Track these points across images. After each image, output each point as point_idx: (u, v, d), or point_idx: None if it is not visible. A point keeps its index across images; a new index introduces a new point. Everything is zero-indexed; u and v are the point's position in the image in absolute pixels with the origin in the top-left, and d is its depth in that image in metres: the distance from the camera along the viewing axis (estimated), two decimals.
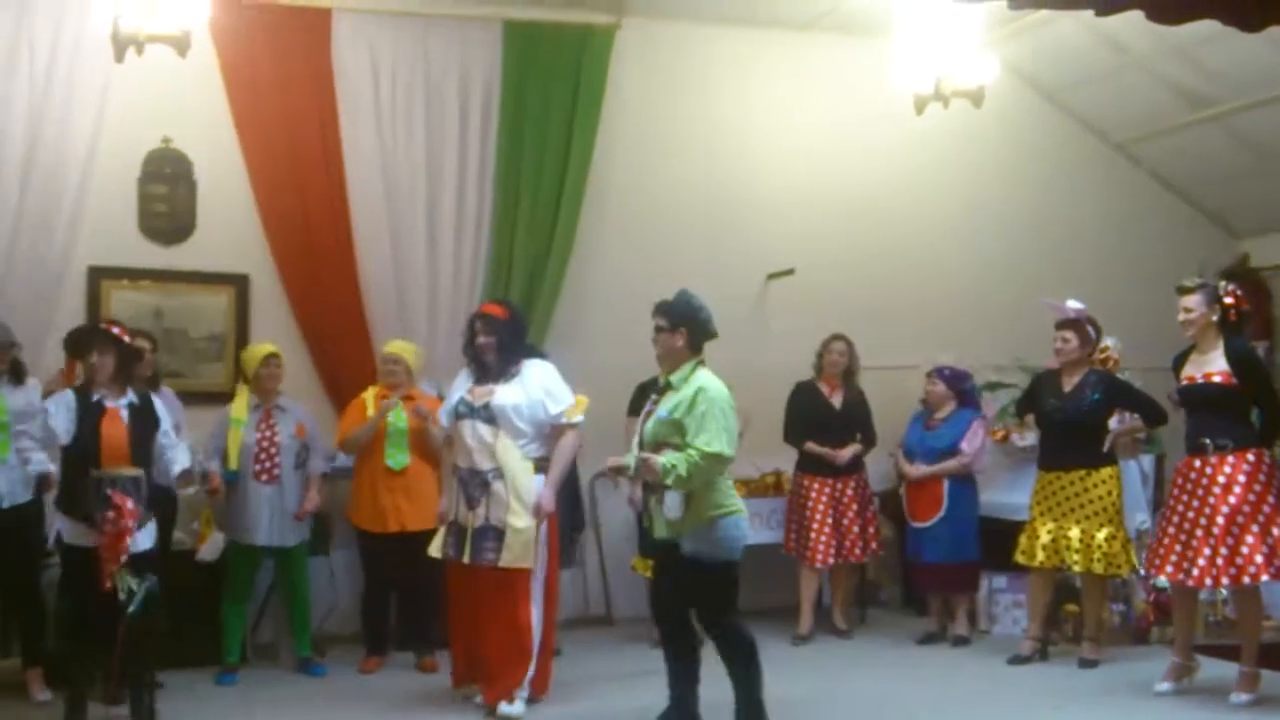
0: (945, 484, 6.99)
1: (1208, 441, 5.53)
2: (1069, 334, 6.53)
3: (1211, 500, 5.48)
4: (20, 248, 6.53)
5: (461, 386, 5.60)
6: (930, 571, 7.11)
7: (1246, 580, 5.44)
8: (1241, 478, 5.45)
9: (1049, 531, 6.37)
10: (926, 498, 7.00)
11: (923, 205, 8.58)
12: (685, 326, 4.97)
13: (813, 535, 7.09)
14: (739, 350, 7.62)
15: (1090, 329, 6.61)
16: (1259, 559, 5.37)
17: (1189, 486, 5.61)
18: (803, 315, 7.80)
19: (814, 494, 7.15)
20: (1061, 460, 6.39)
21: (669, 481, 4.74)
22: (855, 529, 7.17)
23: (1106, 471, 6.34)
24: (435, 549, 5.53)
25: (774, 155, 8.27)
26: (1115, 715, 5.49)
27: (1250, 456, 5.48)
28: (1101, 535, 6.24)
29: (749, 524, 5.09)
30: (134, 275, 6.94)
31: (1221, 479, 5.47)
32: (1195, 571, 5.48)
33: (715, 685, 5.06)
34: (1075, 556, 6.29)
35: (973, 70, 7.49)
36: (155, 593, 3.38)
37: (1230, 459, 5.48)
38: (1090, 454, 6.33)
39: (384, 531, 6.33)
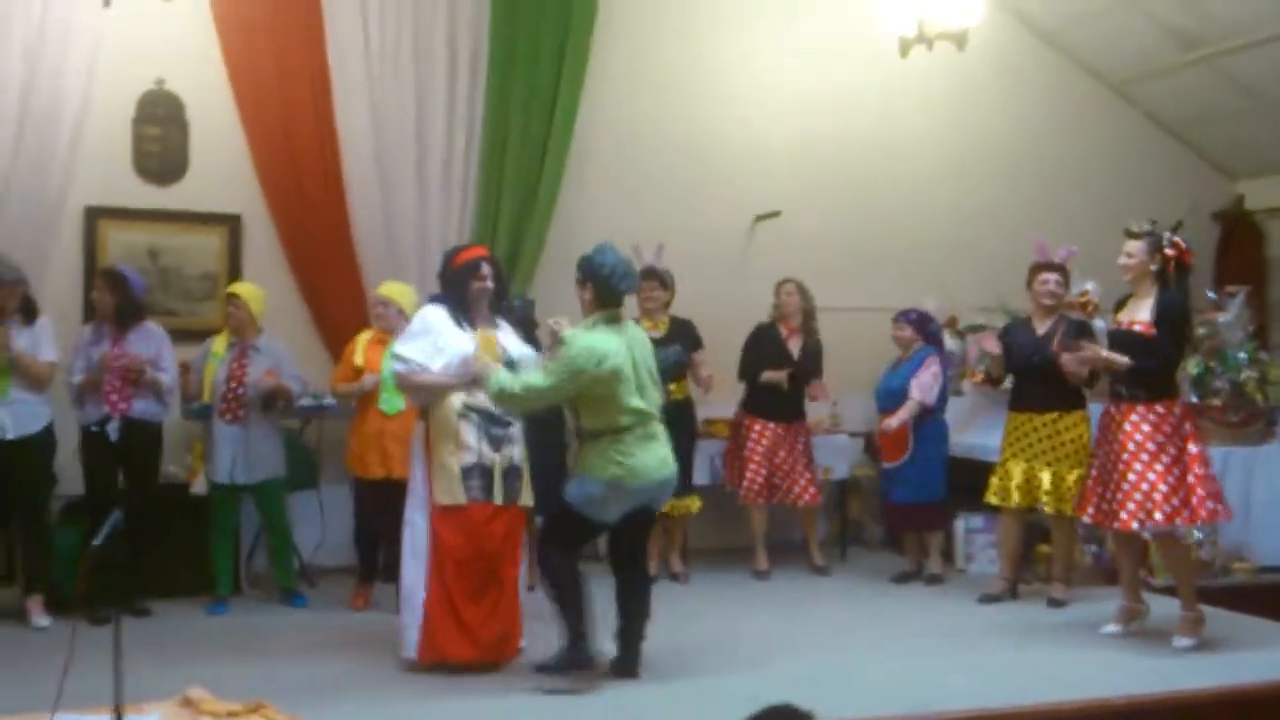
0: (911, 425, 7.10)
1: (1122, 389, 5.57)
2: (1058, 276, 6.59)
3: (1115, 446, 5.54)
4: (16, 188, 6.64)
5: (450, 329, 5.26)
6: (900, 511, 7.25)
7: (1150, 525, 5.51)
8: (1146, 426, 5.48)
9: (1022, 472, 6.47)
10: (894, 439, 7.12)
11: (912, 146, 8.62)
12: (590, 282, 5.05)
13: (749, 474, 7.25)
14: (725, 291, 7.83)
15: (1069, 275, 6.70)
16: (1157, 504, 5.39)
17: (1103, 432, 5.69)
18: (789, 257, 7.86)
19: (755, 433, 7.29)
20: (1034, 403, 6.46)
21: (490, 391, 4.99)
22: (802, 473, 7.31)
23: (1078, 415, 6.42)
24: (445, 494, 5.16)
25: (762, 97, 8.32)
26: (1052, 653, 5.58)
27: (1159, 407, 5.51)
28: (1072, 477, 6.32)
29: (627, 489, 4.93)
30: (129, 215, 7.08)
31: (1128, 426, 5.52)
32: (1111, 513, 5.55)
33: None
34: (1046, 498, 6.40)
35: (958, 12, 7.51)
36: (120, 526, 3.54)
37: (1140, 407, 5.52)
38: (1062, 397, 6.40)
39: (370, 477, 6.28)
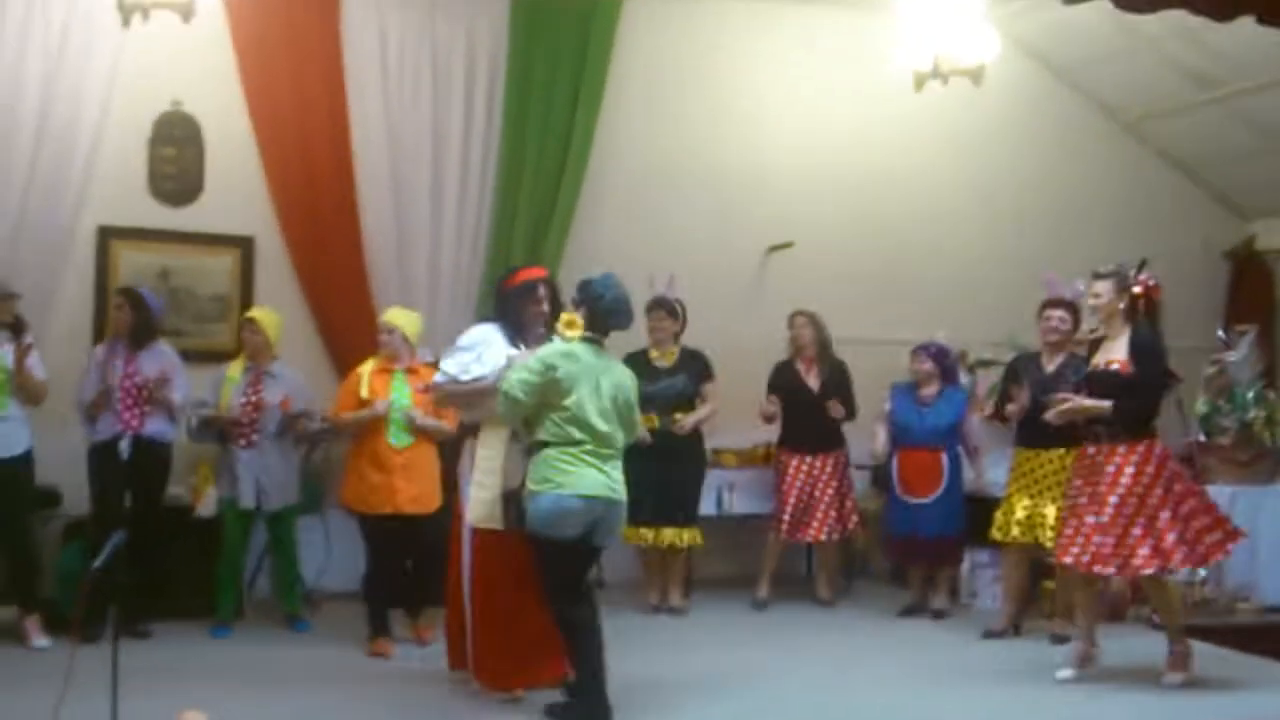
0: (945, 460, 7.11)
1: (1101, 430, 5.53)
2: (1065, 314, 6.57)
3: (1101, 488, 5.47)
4: (31, 208, 6.72)
5: (499, 345, 5.18)
6: (918, 545, 7.19)
7: (1131, 570, 5.46)
8: (1130, 468, 5.41)
9: (1025, 508, 6.45)
10: (928, 473, 7.09)
11: (925, 180, 8.64)
12: (585, 306, 4.95)
13: (788, 509, 7.23)
14: (738, 322, 7.85)
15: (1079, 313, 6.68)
16: (1144, 551, 5.35)
17: (1083, 473, 5.61)
18: (802, 289, 7.83)
19: (791, 469, 7.28)
20: (1041, 439, 6.39)
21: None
22: (831, 505, 7.28)
23: None
24: (484, 520, 5.09)
25: (776, 129, 8.36)
26: (1052, 691, 5.54)
27: (1140, 447, 5.44)
28: None
29: (574, 502, 4.75)
30: (142, 235, 7.12)
31: (1110, 468, 5.45)
32: (1086, 558, 5.49)
33: None
34: (1049, 534, 6.36)
35: (973, 48, 7.51)
36: (121, 547, 3.55)
37: (1121, 448, 5.46)
38: (1070, 434, 6.36)
39: (375, 513, 6.02)
